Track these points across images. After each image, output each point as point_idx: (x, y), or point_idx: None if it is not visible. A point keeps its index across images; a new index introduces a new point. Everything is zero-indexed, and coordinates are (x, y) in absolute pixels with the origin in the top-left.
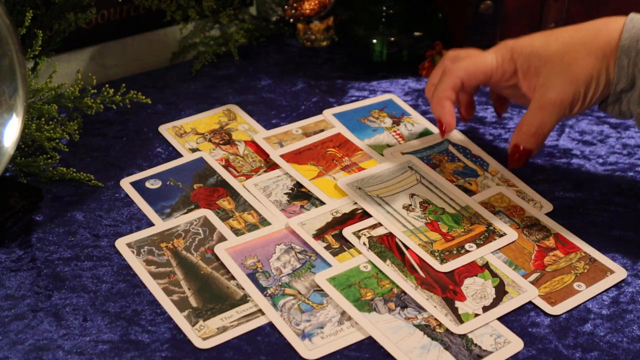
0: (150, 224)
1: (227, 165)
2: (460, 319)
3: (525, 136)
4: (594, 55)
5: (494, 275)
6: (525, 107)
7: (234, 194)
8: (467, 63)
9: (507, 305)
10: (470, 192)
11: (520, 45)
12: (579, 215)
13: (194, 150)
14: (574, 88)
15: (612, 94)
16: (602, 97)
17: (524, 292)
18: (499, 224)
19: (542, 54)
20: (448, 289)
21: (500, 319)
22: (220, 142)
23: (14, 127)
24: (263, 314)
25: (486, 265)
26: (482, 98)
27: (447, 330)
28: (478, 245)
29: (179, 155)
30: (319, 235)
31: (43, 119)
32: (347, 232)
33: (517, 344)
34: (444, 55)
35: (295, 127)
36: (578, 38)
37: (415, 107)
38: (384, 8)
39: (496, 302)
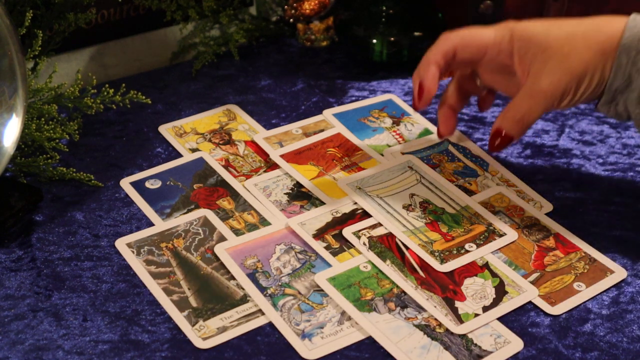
0: (150, 224)
1: (227, 165)
2: (460, 319)
3: (510, 122)
4: (592, 50)
5: (494, 275)
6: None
7: (234, 194)
8: (464, 32)
9: (507, 305)
10: (470, 192)
11: (521, 28)
12: (579, 215)
13: (194, 150)
14: (568, 80)
15: (606, 91)
16: (593, 95)
17: (524, 292)
18: (499, 224)
19: (542, 41)
20: (448, 289)
21: (500, 319)
22: (220, 142)
23: (14, 127)
24: (263, 314)
25: (486, 265)
26: None
27: (447, 330)
28: (478, 245)
29: (179, 155)
30: (319, 235)
31: (43, 119)
32: (347, 232)
33: (517, 344)
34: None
35: (295, 127)
36: (580, 31)
37: None
38: (384, 8)
39: (496, 302)
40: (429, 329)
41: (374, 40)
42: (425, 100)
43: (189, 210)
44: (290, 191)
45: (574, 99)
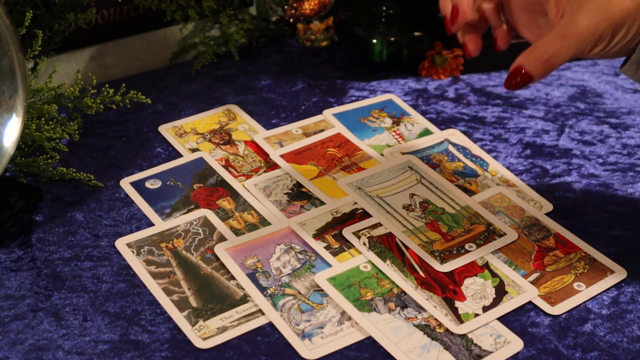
0: (150, 224)
1: (227, 165)
2: (460, 319)
3: (534, 60)
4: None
5: (494, 275)
6: (528, 44)
7: (234, 194)
8: None
9: (507, 305)
10: (470, 192)
11: None
12: (579, 215)
13: (194, 150)
14: (606, 26)
15: (638, 49)
16: (624, 49)
17: (524, 292)
18: (499, 224)
19: None
20: (448, 289)
21: (500, 319)
22: (220, 142)
23: (14, 127)
24: (263, 314)
25: (486, 265)
26: (482, 98)
27: (447, 330)
28: (478, 245)
29: (179, 155)
30: (319, 235)
31: (43, 119)
32: (347, 232)
33: (517, 344)
34: None
35: (295, 127)
36: None
37: (415, 107)
38: (384, 8)
39: (496, 302)
40: (429, 329)
41: (374, 40)
42: (459, 23)
43: (189, 210)
44: (290, 191)
45: (606, 49)
